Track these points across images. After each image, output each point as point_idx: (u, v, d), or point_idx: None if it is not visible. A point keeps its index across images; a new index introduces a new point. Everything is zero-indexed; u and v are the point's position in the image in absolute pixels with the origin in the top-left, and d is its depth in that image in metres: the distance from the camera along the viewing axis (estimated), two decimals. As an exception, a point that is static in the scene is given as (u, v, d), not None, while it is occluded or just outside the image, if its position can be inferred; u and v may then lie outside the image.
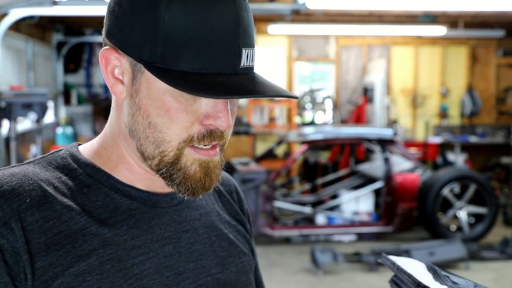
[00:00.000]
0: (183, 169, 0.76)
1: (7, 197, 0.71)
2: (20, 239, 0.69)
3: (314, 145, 6.43)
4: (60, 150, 0.82)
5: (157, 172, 0.77)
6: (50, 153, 0.82)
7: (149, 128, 0.75)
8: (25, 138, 6.00)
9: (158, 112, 0.73)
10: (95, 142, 0.83)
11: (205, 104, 0.74)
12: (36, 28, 7.24)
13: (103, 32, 0.78)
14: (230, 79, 0.71)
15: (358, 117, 8.51)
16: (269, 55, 8.81)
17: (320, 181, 7.35)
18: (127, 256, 0.75)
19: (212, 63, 0.70)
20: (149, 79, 0.73)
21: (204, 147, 0.76)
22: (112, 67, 0.76)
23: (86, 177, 0.78)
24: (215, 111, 0.74)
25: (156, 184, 0.81)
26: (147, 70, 0.72)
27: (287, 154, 8.36)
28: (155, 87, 0.73)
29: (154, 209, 0.80)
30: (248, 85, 0.71)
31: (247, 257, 0.92)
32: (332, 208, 6.36)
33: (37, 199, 0.72)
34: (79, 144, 0.84)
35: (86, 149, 0.82)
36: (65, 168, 0.78)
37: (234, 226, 0.93)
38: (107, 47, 0.76)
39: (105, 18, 0.78)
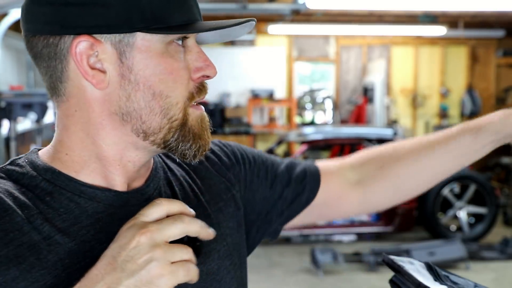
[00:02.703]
0: (192, 129, 0.75)
1: None
2: None
3: (314, 145, 6.43)
4: (20, 158, 0.77)
5: (163, 145, 0.75)
6: (8, 162, 0.76)
7: (153, 99, 0.72)
8: (25, 138, 6.00)
9: (161, 78, 0.72)
10: (50, 148, 0.78)
11: (193, 59, 0.75)
12: (36, 28, 7.24)
13: (50, 30, 0.70)
14: (204, 23, 0.75)
15: (358, 117, 8.51)
16: (269, 55, 8.81)
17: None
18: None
19: (190, 13, 0.74)
20: (142, 48, 0.71)
21: (195, 104, 0.77)
22: (88, 57, 0.71)
23: (47, 184, 0.73)
24: (202, 61, 0.75)
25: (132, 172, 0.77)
26: (148, 33, 0.71)
27: (287, 154, 8.36)
28: (153, 53, 0.72)
29: (122, 209, 0.75)
30: (220, 22, 0.75)
31: (232, 231, 0.88)
32: (332, 208, 6.35)
33: None
34: (39, 149, 0.79)
35: (46, 154, 0.77)
36: (24, 177, 0.73)
37: (209, 202, 0.88)
38: (78, 36, 0.70)
39: (29, 15, 0.72)
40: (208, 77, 0.76)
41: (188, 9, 0.73)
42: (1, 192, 0.70)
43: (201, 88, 0.76)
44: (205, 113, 0.78)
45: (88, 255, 0.70)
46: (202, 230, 0.66)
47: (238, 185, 0.94)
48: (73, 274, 0.68)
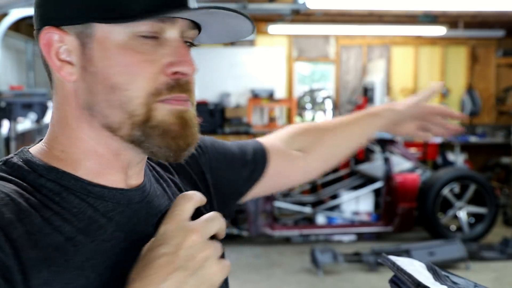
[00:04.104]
0: (160, 124, 0.70)
1: None
2: (11, 257, 0.61)
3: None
4: (12, 158, 0.73)
5: (131, 142, 0.71)
6: (1, 163, 0.72)
7: (111, 92, 0.69)
8: (25, 138, 6.00)
9: (118, 70, 0.68)
10: (44, 146, 0.75)
11: (166, 53, 0.70)
12: (36, 28, 7.25)
13: (36, 27, 0.73)
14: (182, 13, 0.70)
15: (358, 117, 8.51)
16: (269, 55, 8.81)
17: (320, 181, 7.35)
18: (120, 262, 0.70)
19: (160, 1, 0.68)
20: (101, 39, 0.69)
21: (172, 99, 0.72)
22: (56, 49, 0.71)
23: (53, 184, 0.70)
24: (178, 56, 0.71)
25: (130, 173, 0.76)
26: (105, 24, 0.68)
27: (287, 154, 8.36)
28: (112, 44, 0.69)
29: (130, 207, 0.75)
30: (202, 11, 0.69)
31: None
32: (332, 208, 6.36)
33: (16, 213, 0.64)
34: (29, 148, 0.76)
35: (41, 152, 0.74)
36: (26, 178, 0.70)
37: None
38: (45, 27, 0.71)
39: (34, 15, 0.74)
40: (184, 74, 0.71)
41: None
42: (11, 193, 0.66)
43: (175, 85, 0.71)
44: (187, 110, 0.73)
45: (112, 253, 0.70)
46: (224, 227, 0.68)
47: (209, 174, 0.98)
48: (103, 274, 0.68)
